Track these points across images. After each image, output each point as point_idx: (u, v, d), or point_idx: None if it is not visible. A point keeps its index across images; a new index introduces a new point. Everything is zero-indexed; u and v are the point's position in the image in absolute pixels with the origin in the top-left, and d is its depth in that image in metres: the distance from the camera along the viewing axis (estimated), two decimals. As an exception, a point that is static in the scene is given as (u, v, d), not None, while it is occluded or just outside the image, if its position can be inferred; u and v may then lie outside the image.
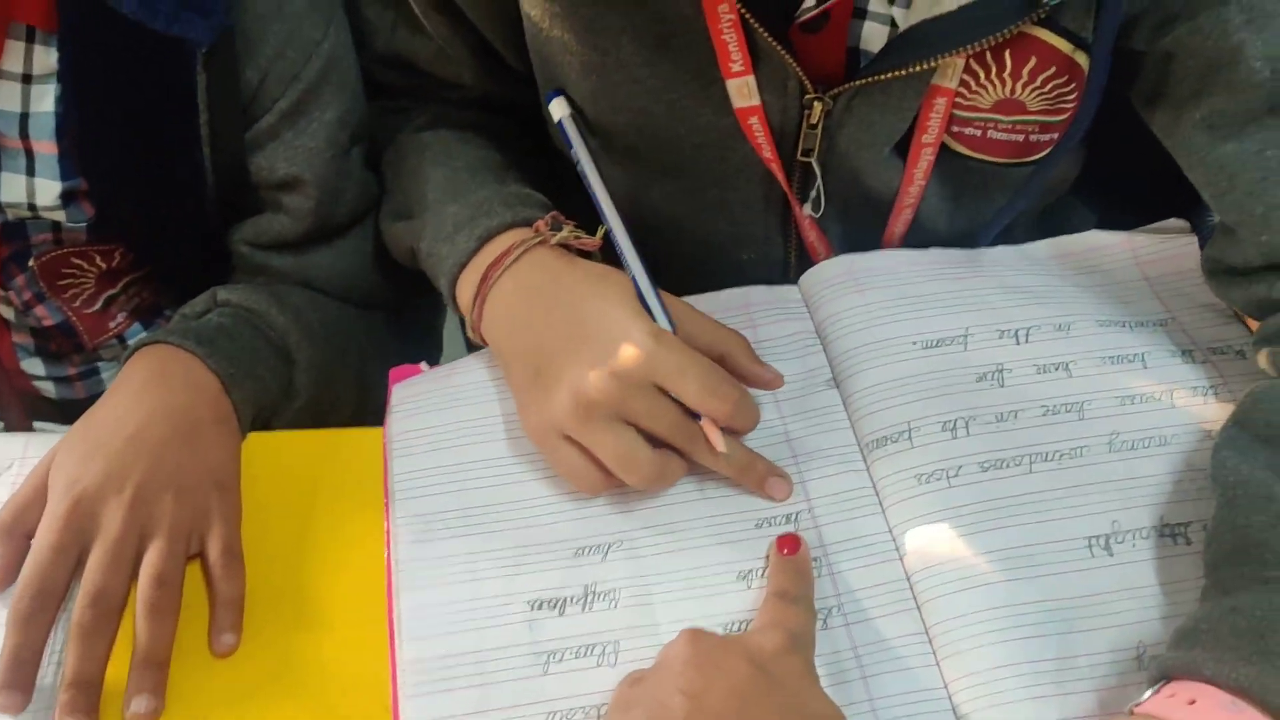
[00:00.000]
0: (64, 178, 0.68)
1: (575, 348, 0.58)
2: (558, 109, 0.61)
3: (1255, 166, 0.59)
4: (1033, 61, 0.62)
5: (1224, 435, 0.57)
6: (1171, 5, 0.60)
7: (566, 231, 0.64)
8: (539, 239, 0.63)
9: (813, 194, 0.70)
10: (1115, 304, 0.68)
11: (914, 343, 0.65)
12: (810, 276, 0.71)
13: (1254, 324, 0.64)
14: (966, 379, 0.63)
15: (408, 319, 0.87)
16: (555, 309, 0.60)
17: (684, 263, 0.75)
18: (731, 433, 0.59)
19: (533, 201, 0.66)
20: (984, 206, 0.72)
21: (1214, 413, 0.62)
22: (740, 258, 0.75)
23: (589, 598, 0.58)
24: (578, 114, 0.69)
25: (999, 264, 0.71)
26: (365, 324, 0.81)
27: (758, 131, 0.66)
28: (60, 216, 0.70)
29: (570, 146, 0.61)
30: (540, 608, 0.58)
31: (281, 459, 0.66)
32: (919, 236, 0.72)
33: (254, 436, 0.67)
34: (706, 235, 0.74)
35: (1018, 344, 0.65)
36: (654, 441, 0.58)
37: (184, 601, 0.59)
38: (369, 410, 0.70)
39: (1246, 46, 0.58)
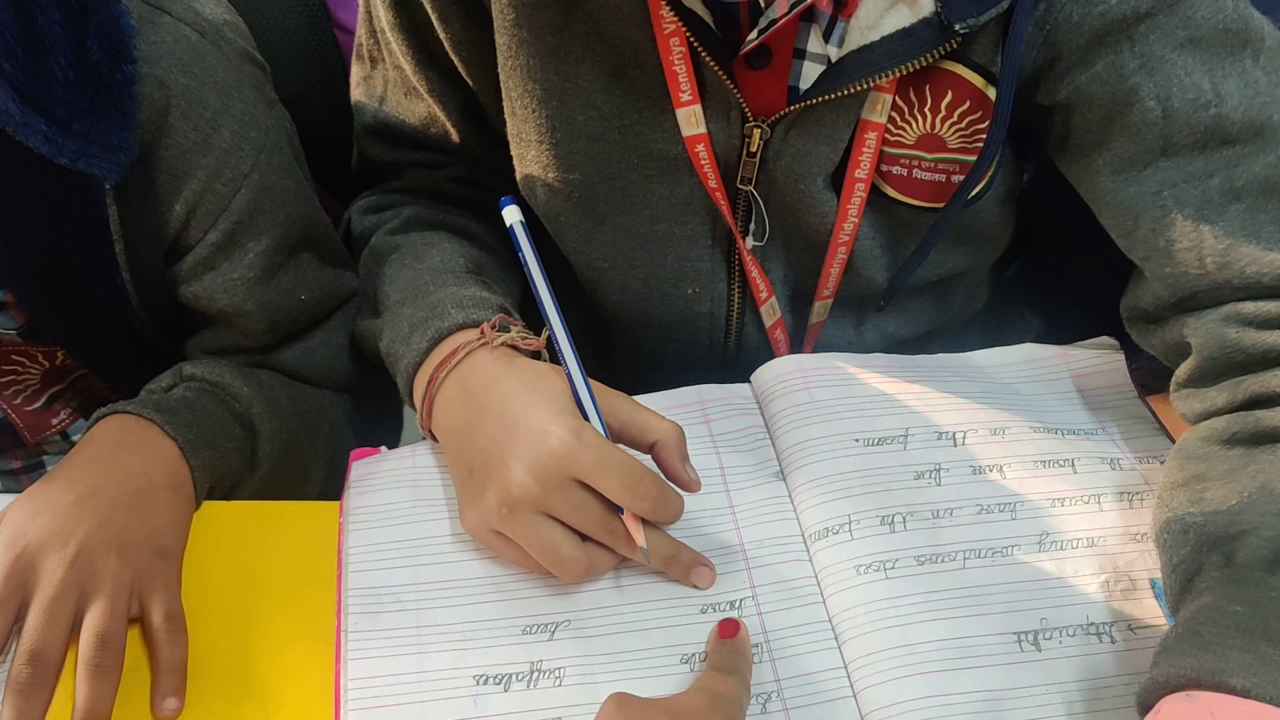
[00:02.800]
0: None
1: (502, 448, 0.60)
2: (510, 214, 0.65)
3: (1155, 206, 0.64)
4: (949, 95, 0.66)
5: (1154, 502, 0.61)
6: (1070, 55, 0.64)
7: (513, 332, 0.66)
8: (482, 342, 0.66)
9: (753, 225, 0.73)
10: (1049, 412, 0.71)
11: (857, 440, 0.68)
12: (761, 374, 0.74)
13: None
14: (905, 476, 0.66)
15: (385, 399, 0.88)
16: (488, 413, 0.62)
17: (632, 301, 0.79)
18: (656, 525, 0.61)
19: (486, 304, 0.69)
20: (908, 249, 0.76)
21: (1140, 518, 0.65)
22: (686, 292, 0.78)
23: (534, 675, 0.59)
24: (528, 191, 0.73)
25: (941, 369, 0.74)
26: (339, 403, 0.82)
27: (704, 159, 0.70)
28: None
29: (519, 250, 0.64)
30: (485, 683, 0.59)
31: (236, 528, 0.67)
32: (852, 279, 0.76)
33: (209, 505, 0.68)
34: (654, 270, 0.77)
35: (955, 445, 0.68)
36: (584, 534, 0.60)
37: (126, 665, 0.59)
38: (336, 489, 0.71)
39: (1141, 89, 0.63)
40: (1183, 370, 0.65)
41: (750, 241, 0.74)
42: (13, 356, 0.75)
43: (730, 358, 0.82)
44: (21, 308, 0.70)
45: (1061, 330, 0.81)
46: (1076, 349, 0.76)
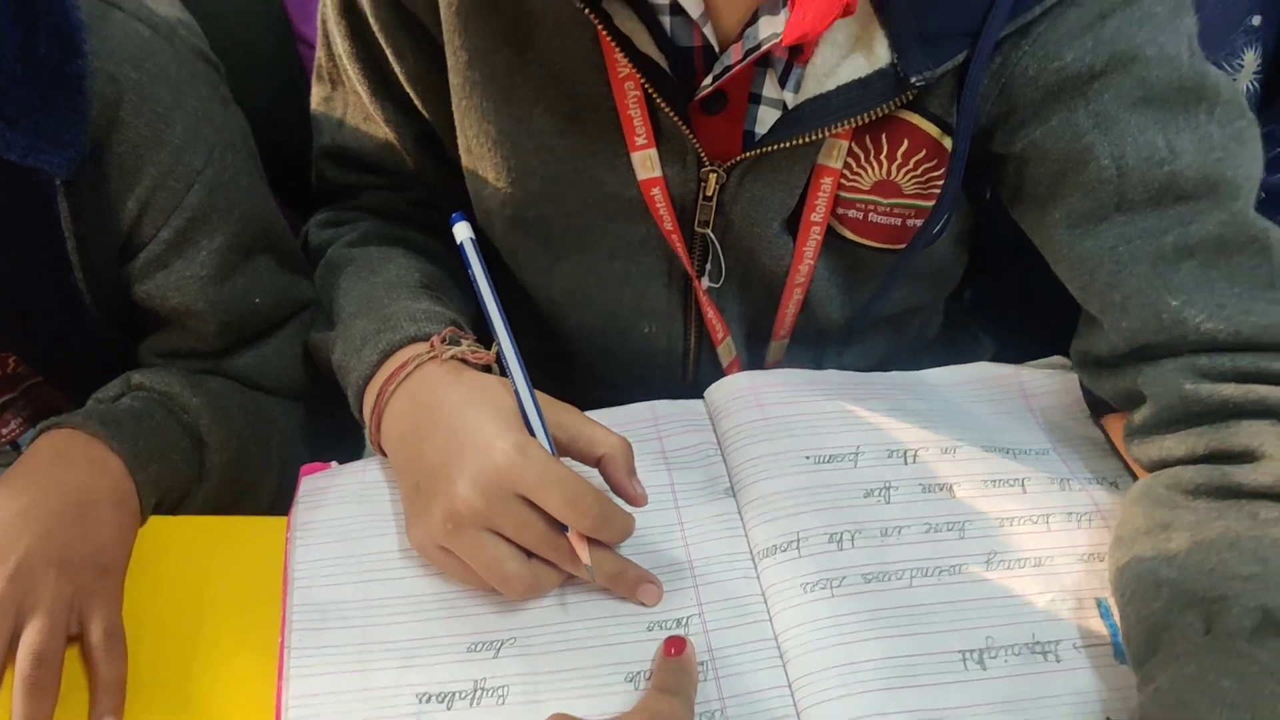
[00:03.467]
0: None
1: (448, 463, 0.60)
2: (461, 231, 0.65)
3: (1110, 260, 0.64)
4: (905, 144, 0.67)
5: (1112, 541, 0.60)
6: (1026, 109, 0.64)
7: (464, 346, 0.66)
8: (431, 355, 0.65)
9: (710, 267, 0.73)
10: (1000, 431, 0.72)
11: (808, 457, 0.68)
12: (715, 390, 0.74)
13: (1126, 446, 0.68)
14: (855, 494, 0.66)
15: (340, 405, 0.87)
16: (435, 427, 0.62)
17: (590, 337, 0.79)
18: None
19: (439, 318, 0.69)
20: (867, 292, 0.76)
21: (1087, 538, 0.65)
22: (643, 330, 0.78)
23: (478, 693, 0.59)
24: (487, 219, 0.73)
25: (894, 387, 0.74)
26: (292, 412, 0.81)
27: (659, 202, 0.70)
28: None
29: (469, 267, 0.64)
30: (428, 701, 0.58)
31: (182, 543, 0.66)
32: (809, 318, 0.76)
33: (155, 520, 0.68)
34: (611, 308, 0.77)
35: (905, 464, 0.68)
36: (530, 551, 0.60)
37: (64, 683, 0.58)
38: (290, 498, 0.71)
39: (1096, 148, 0.63)
40: (1137, 417, 0.65)
41: (706, 282, 0.74)
42: None
43: (686, 392, 0.81)
44: None
45: (1016, 352, 0.81)
46: (1029, 368, 0.76)
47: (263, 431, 0.77)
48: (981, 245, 0.86)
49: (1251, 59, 0.86)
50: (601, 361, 0.82)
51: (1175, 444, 0.63)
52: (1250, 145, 0.65)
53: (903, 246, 0.71)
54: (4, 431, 0.81)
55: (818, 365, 0.82)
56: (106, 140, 0.66)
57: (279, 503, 0.77)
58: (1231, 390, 0.61)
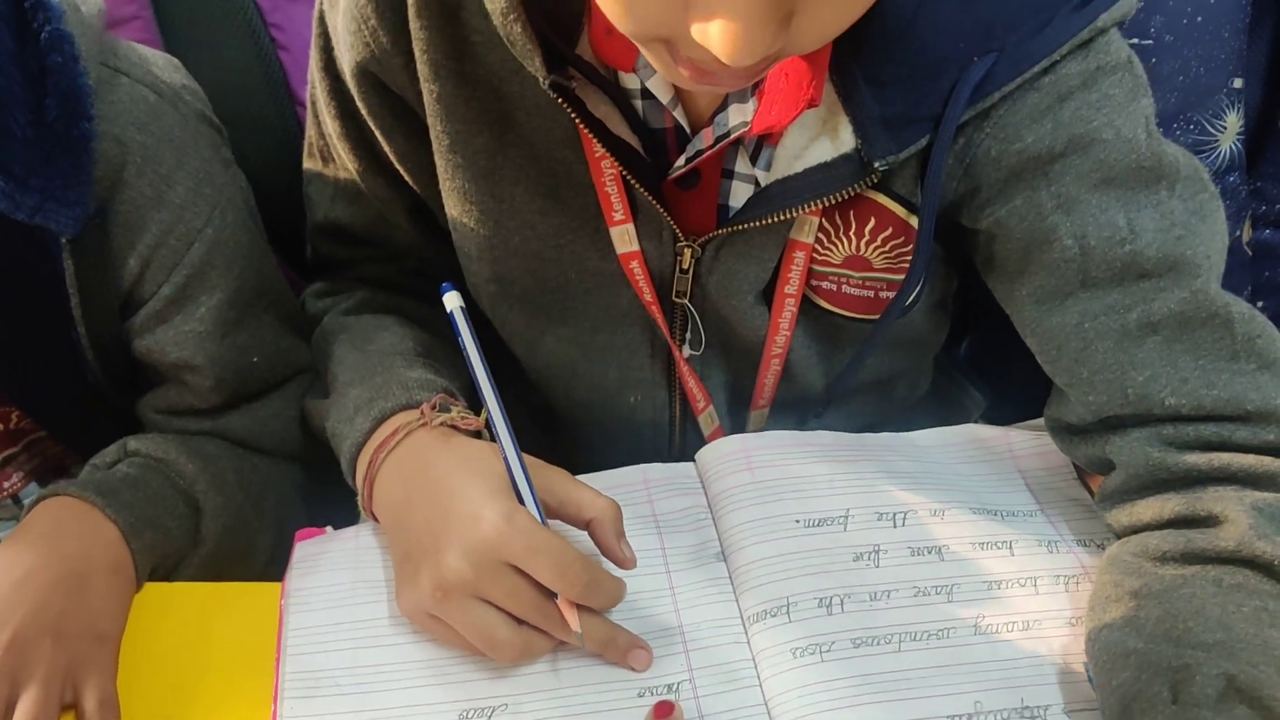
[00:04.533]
0: None
1: (436, 532, 0.61)
2: (451, 300, 0.66)
3: (1076, 336, 0.65)
4: (873, 222, 0.68)
5: (1086, 609, 0.61)
6: (990, 189, 0.65)
7: (454, 413, 0.67)
8: (421, 422, 0.66)
9: (689, 336, 0.75)
10: (989, 493, 0.72)
11: (797, 521, 0.68)
12: (706, 453, 0.75)
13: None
14: (844, 558, 0.67)
15: (331, 467, 0.88)
16: (423, 494, 0.63)
17: (577, 408, 0.80)
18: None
19: (430, 385, 0.70)
20: (846, 360, 0.77)
21: (1075, 601, 0.65)
22: (629, 400, 0.79)
23: (470, 760, 0.59)
24: (481, 288, 0.74)
25: (884, 449, 0.75)
26: (288, 474, 0.82)
27: (638, 275, 0.71)
28: None
29: (459, 335, 0.65)
30: (420, 769, 0.58)
31: (177, 610, 0.67)
32: (790, 386, 0.77)
33: (150, 587, 0.68)
34: (597, 379, 0.78)
35: (894, 527, 0.69)
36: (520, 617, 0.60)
37: (60, 751, 0.59)
38: (285, 559, 0.71)
39: (1059, 228, 0.64)
40: (1108, 484, 0.67)
41: (687, 350, 0.76)
42: None
43: (675, 459, 0.82)
44: None
45: (1007, 407, 0.82)
46: (1018, 430, 0.77)
47: (258, 495, 0.78)
48: (973, 301, 0.87)
49: (1234, 120, 0.88)
50: (590, 431, 0.83)
51: (1144, 509, 0.64)
52: (1211, 220, 0.66)
53: (878, 317, 0.72)
54: (6, 485, 0.82)
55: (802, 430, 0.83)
56: (111, 200, 0.68)
57: (274, 564, 0.78)
58: (1196, 459, 0.62)
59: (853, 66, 0.61)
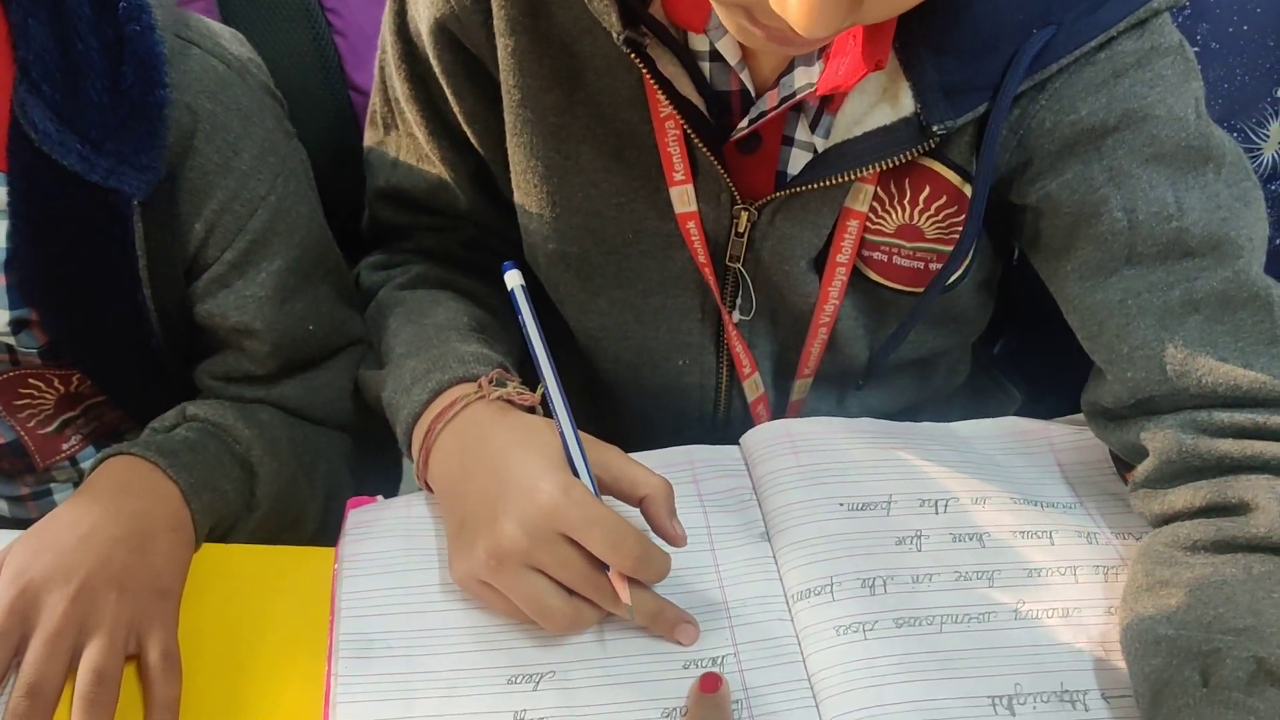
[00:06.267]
0: (12, 307, 0.70)
1: (493, 502, 0.62)
2: (512, 279, 0.68)
3: (1119, 313, 0.67)
4: (927, 190, 0.69)
5: (1120, 599, 0.62)
6: (1042, 160, 0.67)
7: (510, 387, 0.69)
8: (479, 395, 0.68)
9: (740, 301, 0.76)
10: (1029, 484, 0.73)
11: (841, 504, 0.70)
12: (750, 437, 0.76)
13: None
14: (887, 541, 0.68)
15: (383, 440, 0.89)
16: (481, 465, 0.64)
17: (625, 369, 0.82)
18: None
19: (487, 360, 0.71)
20: (888, 329, 0.78)
21: (1115, 591, 0.66)
22: (677, 364, 0.81)
23: (518, 724, 0.60)
24: (533, 253, 0.76)
25: (926, 438, 0.76)
26: (338, 443, 0.83)
27: (694, 236, 0.73)
28: (12, 341, 0.72)
29: (519, 313, 0.67)
30: (470, 730, 0.60)
31: (234, 571, 0.69)
32: (834, 356, 0.79)
33: (208, 548, 0.70)
34: (647, 342, 0.80)
35: (936, 513, 0.70)
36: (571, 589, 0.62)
37: (120, 702, 0.60)
38: (334, 527, 0.73)
39: (1109, 200, 0.66)
40: (1141, 471, 0.68)
41: (737, 316, 0.77)
42: (30, 380, 0.77)
43: (719, 427, 0.84)
44: (44, 327, 0.72)
45: (1043, 405, 0.83)
46: (1057, 424, 0.78)
47: (310, 463, 0.80)
48: (1012, 299, 0.88)
49: (1277, 129, 0.89)
50: (637, 396, 0.84)
51: (1175, 498, 0.65)
52: (1254, 206, 0.68)
53: (921, 289, 0.74)
54: (65, 447, 0.84)
55: (841, 405, 0.85)
56: (180, 165, 0.70)
57: (322, 532, 0.80)
58: (1229, 446, 0.63)
59: (916, 35, 0.63)
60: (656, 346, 0.80)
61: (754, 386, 0.81)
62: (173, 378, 0.79)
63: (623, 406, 0.87)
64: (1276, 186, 0.91)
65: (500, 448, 0.64)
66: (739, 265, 0.74)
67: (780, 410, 0.84)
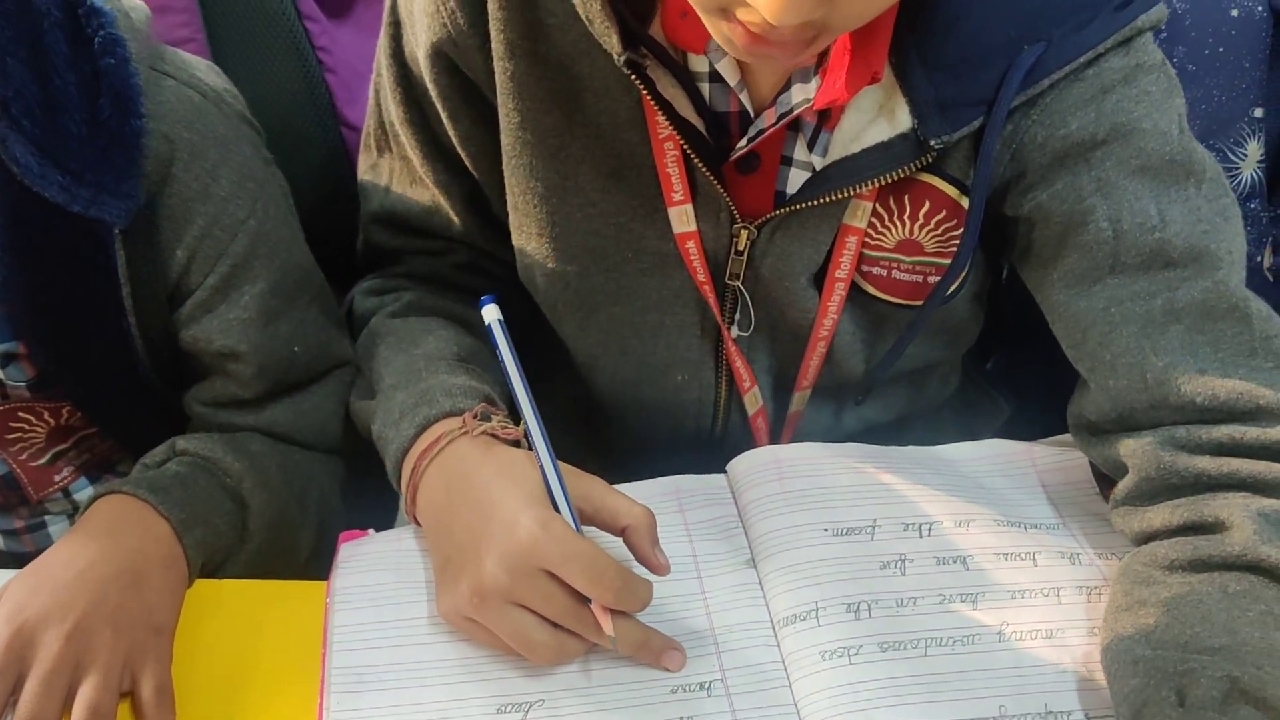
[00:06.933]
0: (1, 340, 0.72)
1: (476, 539, 0.63)
2: (489, 314, 0.69)
3: (1102, 321, 0.68)
4: (927, 204, 0.71)
5: (1102, 620, 0.63)
6: (1034, 173, 0.69)
7: (494, 421, 0.69)
8: (463, 431, 0.69)
9: (739, 317, 0.77)
10: (1013, 506, 0.74)
11: (826, 530, 0.70)
12: (737, 464, 0.77)
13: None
14: (871, 566, 0.69)
15: (372, 463, 0.90)
16: (464, 502, 0.65)
17: (623, 387, 0.82)
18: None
19: (473, 393, 0.72)
20: (886, 343, 0.79)
21: (1096, 612, 0.67)
22: (675, 379, 0.81)
23: (508, 754, 0.61)
24: (531, 273, 0.77)
25: (910, 462, 0.77)
26: (329, 467, 0.84)
27: (694, 255, 0.74)
28: (1, 375, 0.73)
29: (497, 348, 0.68)
30: (460, 760, 0.61)
31: (226, 606, 0.70)
32: (832, 369, 0.80)
33: (200, 583, 0.71)
34: (645, 358, 0.81)
35: (920, 537, 0.71)
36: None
37: (115, 740, 0.61)
38: (327, 552, 0.74)
39: (1096, 210, 0.67)
40: (1121, 488, 0.69)
41: (735, 332, 0.78)
42: (20, 413, 0.78)
43: (716, 442, 0.84)
44: (32, 359, 0.73)
45: (1031, 421, 0.84)
46: (1040, 445, 0.79)
47: (301, 490, 0.81)
48: (1002, 316, 0.89)
49: (1255, 149, 0.90)
50: (635, 413, 0.85)
51: (1154, 516, 0.66)
52: (1233, 221, 0.70)
53: (922, 302, 0.75)
54: (57, 479, 0.85)
55: (838, 417, 0.86)
56: (159, 193, 0.71)
57: (316, 557, 0.81)
58: (1206, 463, 0.65)
59: (910, 51, 0.65)
60: (655, 363, 0.81)
61: (753, 400, 0.82)
62: (162, 406, 0.80)
63: (621, 423, 0.87)
64: (1256, 205, 0.92)
65: (482, 484, 0.65)
66: (738, 283, 0.75)
67: (779, 423, 0.85)
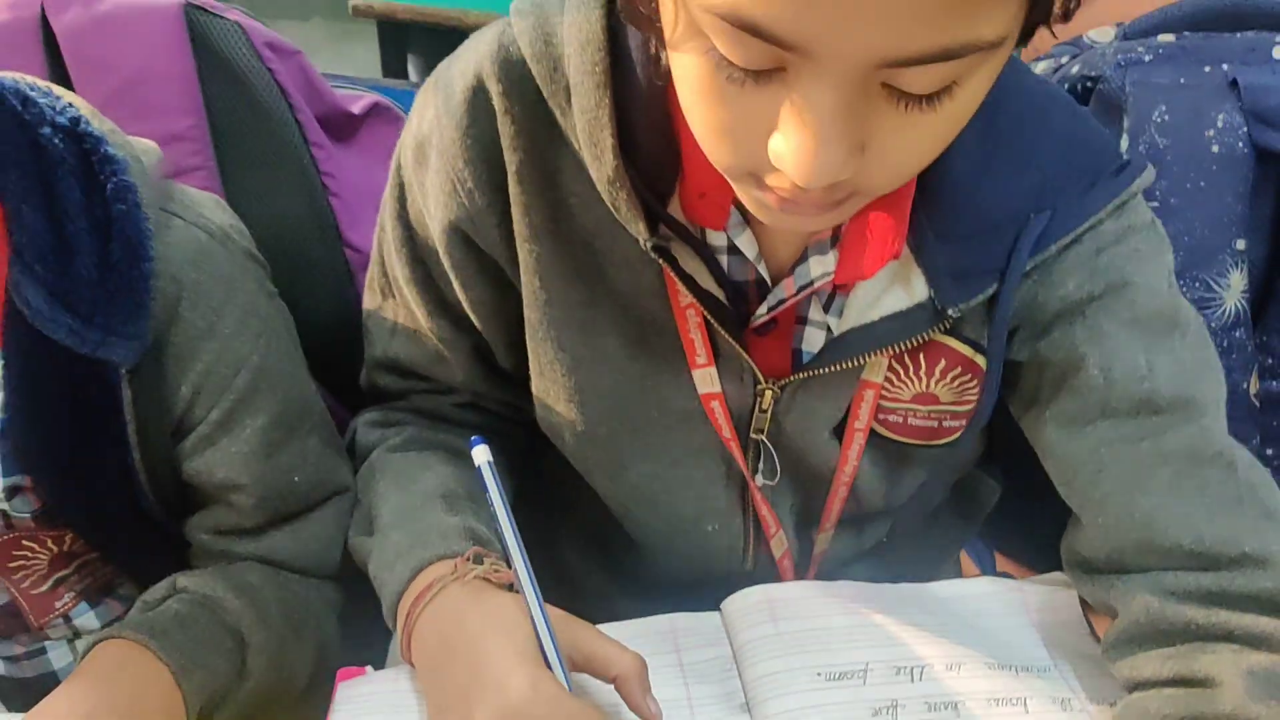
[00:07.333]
0: (6, 474, 0.73)
1: (466, 693, 0.64)
2: (479, 455, 0.70)
3: (1092, 461, 0.71)
4: (942, 363, 0.73)
5: None
6: (1034, 326, 0.72)
7: (486, 565, 0.71)
8: (455, 576, 0.70)
9: (763, 467, 0.79)
10: (1004, 648, 0.74)
11: (819, 674, 0.71)
12: (731, 604, 0.78)
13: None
14: (863, 712, 0.69)
15: (368, 588, 0.91)
16: (456, 653, 0.67)
17: (657, 537, 0.84)
18: None
19: (468, 534, 0.73)
20: (906, 479, 0.82)
21: (1088, 759, 0.68)
22: (706, 528, 0.83)
23: None
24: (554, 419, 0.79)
25: (902, 601, 0.78)
26: (326, 595, 0.85)
27: (718, 414, 0.75)
28: (6, 507, 0.75)
29: (485, 490, 0.70)
30: None
31: (224, 750, 0.70)
32: (855, 506, 0.82)
33: (200, 725, 0.71)
34: (678, 508, 0.82)
35: (912, 681, 0.71)
36: None
37: None
38: (323, 678, 0.74)
39: (1088, 358, 0.70)
40: (1111, 632, 0.70)
41: (760, 480, 0.80)
42: (23, 542, 0.79)
43: (746, 579, 0.85)
44: (38, 492, 0.74)
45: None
46: (1032, 583, 0.80)
47: (299, 622, 0.81)
48: (1005, 466, 0.91)
49: (1238, 279, 0.92)
50: (665, 557, 0.86)
51: (1144, 664, 0.67)
52: (1216, 372, 0.73)
53: (934, 443, 0.77)
54: (58, 605, 0.86)
55: (859, 544, 0.87)
56: (166, 332, 0.73)
57: (313, 685, 0.81)
58: (1195, 613, 0.66)
59: (925, 224, 0.67)
60: (686, 514, 0.82)
61: (779, 544, 0.84)
62: (163, 533, 0.81)
63: (652, 564, 0.89)
64: (1241, 333, 0.94)
65: (473, 636, 0.66)
66: (763, 436, 0.77)
67: (805, 561, 0.87)
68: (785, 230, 0.68)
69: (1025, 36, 0.53)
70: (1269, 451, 0.98)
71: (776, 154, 0.53)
